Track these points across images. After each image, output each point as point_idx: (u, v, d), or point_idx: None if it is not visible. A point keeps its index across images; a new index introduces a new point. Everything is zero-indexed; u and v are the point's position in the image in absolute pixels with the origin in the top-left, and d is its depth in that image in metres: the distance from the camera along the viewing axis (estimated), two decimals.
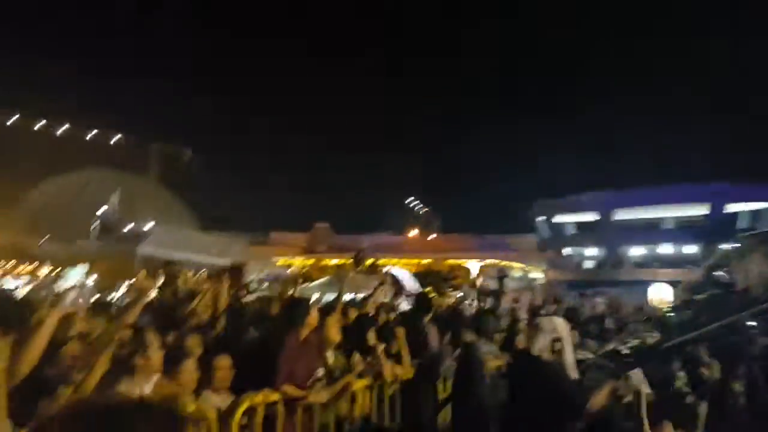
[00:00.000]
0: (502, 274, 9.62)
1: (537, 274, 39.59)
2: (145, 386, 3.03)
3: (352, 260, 6.33)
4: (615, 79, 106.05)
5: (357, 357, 4.78)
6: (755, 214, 39.40)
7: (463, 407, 5.09)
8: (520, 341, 6.14)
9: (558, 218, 47.59)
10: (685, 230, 41.82)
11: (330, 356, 4.57)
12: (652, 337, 5.43)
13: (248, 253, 19.59)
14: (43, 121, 49.19)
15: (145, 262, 13.10)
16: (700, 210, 41.07)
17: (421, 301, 6.44)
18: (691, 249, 39.32)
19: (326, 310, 5.36)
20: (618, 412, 2.72)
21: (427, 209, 64.29)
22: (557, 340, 2.84)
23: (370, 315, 5.98)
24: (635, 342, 2.88)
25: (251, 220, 51.13)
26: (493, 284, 9.06)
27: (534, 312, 8.98)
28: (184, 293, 6.30)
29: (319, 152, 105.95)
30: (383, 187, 79.36)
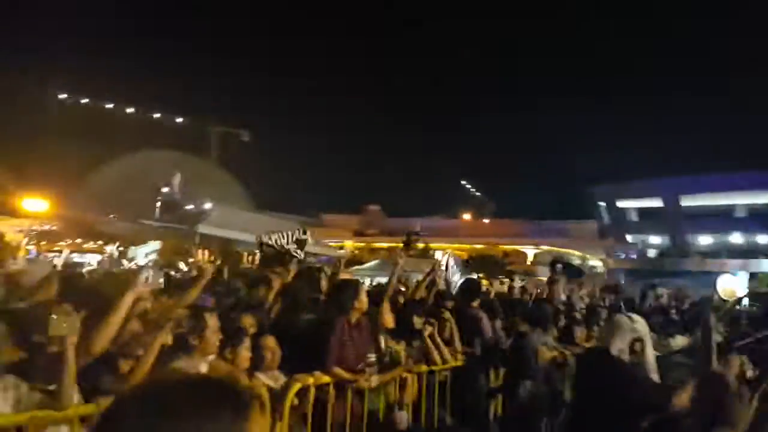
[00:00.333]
0: (558, 262, 9.33)
1: (595, 262, 38.41)
2: (201, 366, 3.10)
3: (402, 243, 6.27)
4: (676, 60, 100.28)
5: (407, 343, 4.75)
6: None
7: (514, 397, 4.99)
8: (578, 333, 5.94)
9: (621, 204, 45.72)
10: (758, 218, 39.28)
11: (382, 340, 4.56)
12: (722, 333, 5.12)
13: None
14: (111, 105, 51.52)
15: (204, 241, 13.55)
16: None
17: (469, 287, 6.32)
18: (764, 239, 37.01)
19: (377, 293, 5.36)
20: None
21: (480, 193, 63.40)
22: (638, 339, 2.68)
23: (420, 299, 5.92)
24: (717, 337, 2.72)
25: (305, 202, 52.16)
26: (548, 272, 8.79)
27: (592, 302, 8.68)
28: (241, 273, 6.45)
29: (372, 134, 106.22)
30: (437, 169, 78.74)
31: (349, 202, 56.14)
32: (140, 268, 2.95)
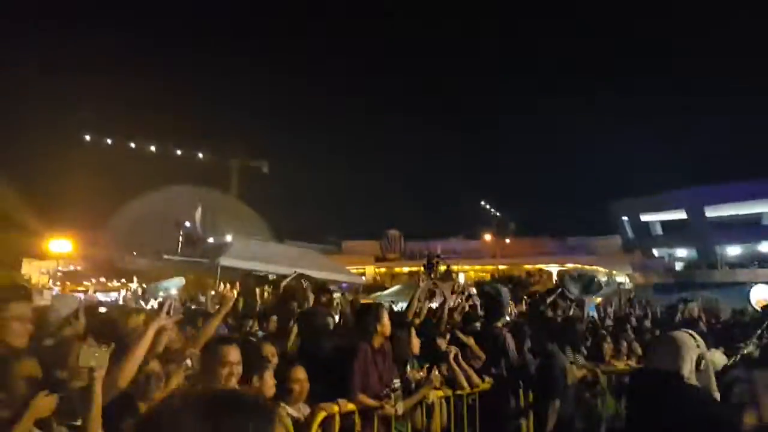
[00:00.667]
0: (583, 280, 9.15)
1: (622, 278, 37.62)
2: None
3: (423, 267, 6.23)
4: (698, 68, 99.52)
5: (433, 368, 4.66)
6: None
7: (544, 419, 4.85)
8: (606, 349, 5.78)
9: (644, 217, 44.89)
10: None
11: (407, 366, 4.49)
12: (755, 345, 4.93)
13: (321, 262, 19.94)
14: (133, 144, 52.96)
15: (225, 273, 13.62)
16: None
17: (491, 307, 6.21)
18: None
19: (398, 318, 5.30)
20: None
21: (499, 213, 62.97)
22: (701, 357, 2.53)
23: (441, 321, 5.84)
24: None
25: (325, 230, 52.38)
26: (575, 290, 8.61)
27: (620, 319, 8.47)
28: (260, 304, 6.47)
29: (389, 159, 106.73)
30: (456, 191, 78.70)
31: (368, 228, 56.25)
32: (163, 301, 2.96)
